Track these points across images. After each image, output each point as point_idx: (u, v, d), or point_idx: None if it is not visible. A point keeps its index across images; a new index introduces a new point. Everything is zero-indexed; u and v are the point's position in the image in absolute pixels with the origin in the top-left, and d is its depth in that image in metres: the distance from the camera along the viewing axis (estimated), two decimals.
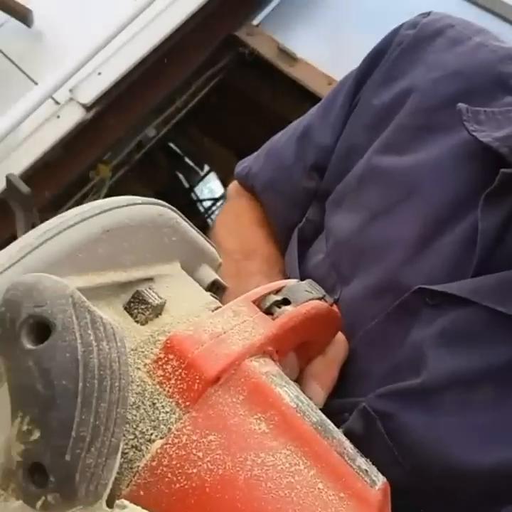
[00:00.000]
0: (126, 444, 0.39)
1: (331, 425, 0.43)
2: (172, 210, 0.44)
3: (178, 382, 0.39)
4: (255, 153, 0.90)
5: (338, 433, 0.43)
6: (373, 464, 0.44)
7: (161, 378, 0.40)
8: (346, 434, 0.45)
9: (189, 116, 2.35)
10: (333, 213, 0.74)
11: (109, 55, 2.19)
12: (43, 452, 0.29)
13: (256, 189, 0.86)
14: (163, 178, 2.68)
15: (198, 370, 0.39)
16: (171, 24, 2.22)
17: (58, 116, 2.19)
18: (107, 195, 2.23)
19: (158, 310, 0.42)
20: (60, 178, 2.22)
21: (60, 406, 0.30)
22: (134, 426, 0.39)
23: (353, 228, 0.69)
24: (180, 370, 0.39)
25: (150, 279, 0.43)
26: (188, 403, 0.39)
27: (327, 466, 0.40)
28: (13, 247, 0.36)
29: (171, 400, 0.39)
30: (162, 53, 2.20)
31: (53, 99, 2.18)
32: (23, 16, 2.18)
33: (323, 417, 0.43)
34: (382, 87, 0.78)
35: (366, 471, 0.41)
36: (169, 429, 0.39)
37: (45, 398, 0.30)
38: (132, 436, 0.39)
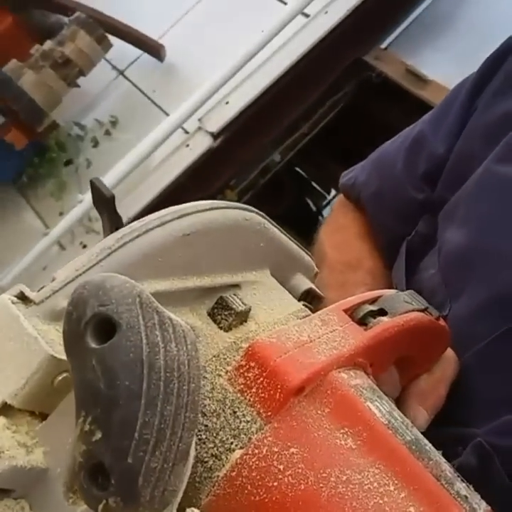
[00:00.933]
0: (206, 452, 0.37)
1: (429, 446, 0.39)
2: (260, 215, 0.43)
3: (260, 390, 0.37)
4: (361, 163, 0.87)
5: (436, 454, 0.39)
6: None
7: (242, 386, 0.38)
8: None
9: (315, 141, 2.35)
10: (445, 227, 0.70)
11: (237, 84, 2.24)
12: (104, 453, 0.28)
13: (362, 200, 0.83)
14: (290, 203, 2.69)
15: (280, 379, 0.37)
16: (297, 52, 2.24)
17: (187, 145, 2.26)
18: None
19: (242, 317, 0.40)
20: None
21: (123, 406, 0.28)
22: (214, 434, 0.37)
23: (465, 241, 0.65)
24: (261, 379, 0.37)
25: (236, 286, 0.42)
26: (269, 413, 0.37)
27: (420, 489, 0.36)
28: (94, 250, 0.36)
29: (252, 408, 0.37)
30: (288, 80, 2.22)
31: (183, 128, 2.25)
32: (156, 51, 2.27)
33: (420, 436, 0.40)
34: (501, 94, 0.74)
35: (466, 497, 0.37)
36: (249, 438, 0.37)
37: (108, 398, 0.29)
38: (212, 445, 0.37)
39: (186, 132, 2.24)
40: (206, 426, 0.38)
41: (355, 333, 0.41)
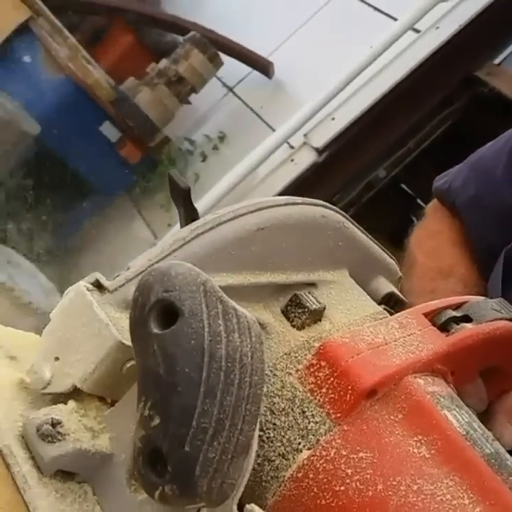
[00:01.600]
0: (274, 451, 0.36)
1: (511, 461, 0.37)
2: (339, 213, 0.41)
3: (330, 391, 0.36)
4: (456, 166, 0.83)
5: None
6: None
7: (312, 386, 0.37)
8: None
9: (422, 157, 2.29)
10: None
11: (343, 100, 2.23)
12: (162, 439, 0.28)
13: (457, 205, 0.79)
14: (395, 219, 2.63)
15: (351, 380, 0.35)
16: (406, 68, 2.20)
17: (292, 160, 2.26)
18: None
19: (316, 315, 0.39)
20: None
21: (182, 393, 0.28)
22: (282, 433, 0.36)
23: None
24: (332, 379, 0.36)
25: (312, 284, 0.41)
26: (339, 415, 0.36)
27: (497, 504, 0.34)
28: (168, 241, 0.36)
29: (321, 409, 0.36)
30: (395, 96, 2.19)
31: (288, 143, 2.26)
32: (265, 68, 2.29)
33: (501, 450, 0.37)
34: None
35: None
36: (318, 440, 0.36)
37: (167, 384, 0.28)
38: (279, 444, 0.36)
39: (292, 147, 2.25)
40: (274, 424, 0.37)
41: (434, 338, 0.39)
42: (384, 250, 0.46)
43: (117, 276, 0.35)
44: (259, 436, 0.37)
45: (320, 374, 0.36)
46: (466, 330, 0.40)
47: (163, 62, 2.27)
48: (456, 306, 0.42)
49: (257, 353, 0.31)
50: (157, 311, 0.29)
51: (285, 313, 0.39)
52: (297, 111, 2.24)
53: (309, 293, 0.39)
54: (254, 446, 0.32)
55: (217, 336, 0.29)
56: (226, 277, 0.36)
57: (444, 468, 0.34)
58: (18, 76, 2.16)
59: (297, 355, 0.38)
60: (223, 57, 2.28)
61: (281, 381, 0.37)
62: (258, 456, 0.37)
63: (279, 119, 2.26)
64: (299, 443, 0.36)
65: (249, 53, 2.28)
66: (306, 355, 0.38)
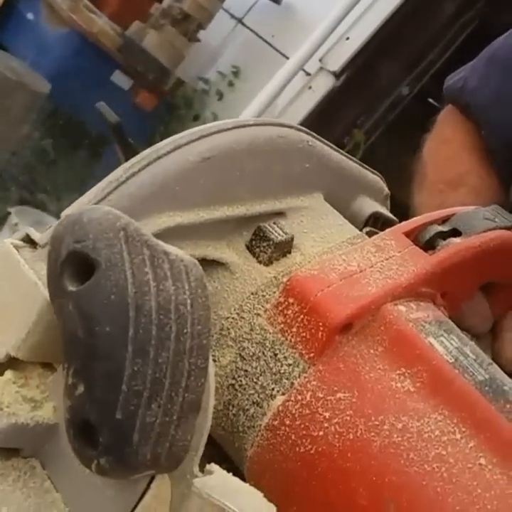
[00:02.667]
0: (247, 399, 0.33)
1: (510, 385, 0.32)
2: (303, 131, 0.36)
3: (301, 330, 0.32)
4: (470, 63, 0.75)
5: None
6: None
7: (282, 326, 0.33)
8: None
9: (447, 67, 2.18)
10: None
11: (356, 18, 2.12)
12: (88, 409, 0.24)
13: (474, 106, 0.71)
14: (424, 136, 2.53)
15: (321, 316, 0.31)
16: None
17: (310, 87, 2.18)
18: (361, 160, 2.18)
19: (283, 248, 0.35)
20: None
21: (105, 356, 0.24)
22: (255, 379, 0.33)
23: None
24: (302, 316, 0.32)
25: (280, 214, 0.36)
26: (312, 354, 0.32)
27: (493, 437, 0.29)
28: (101, 184, 0.32)
29: (293, 350, 0.32)
30: (410, 6, 2.07)
31: (304, 71, 2.18)
32: None
33: (499, 374, 0.33)
34: None
35: None
36: (292, 383, 0.32)
37: (87, 347, 0.24)
38: (253, 391, 0.33)
39: (308, 74, 2.16)
40: (246, 371, 0.33)
41: (416, 259, 0.34)
42: (365, 167, 0.41)
43: (49, 227, 0.31)
44: (231, 384, 0.33)
45: (289, 312, 0.32)
46: (453, 245, 0.35)
47: (166, 1, 2.19)
48: (443, 220, 0.37)
49: (198, 299, 0.27)
50: (70, 265, 0.25)
51: (250, 248, 0.35)
52: (310, 36, 2.15)
53: (274, 223, 0.35)
54: (210, 401, 0.28)
55: (145, 286, 0.25)
56: (174, 216, 0.32)
57: (431, 401, 0.30)
58: (23, 35, 2.12)
59: (265, 293, 0.34)
60: None
61: (250, 324, 0.34)
62: (232, 406, 0.33)
63: (292, 46, 2.17)
64: (273, 388, 0.32)
65: None
66: (274, 292, 0.34)
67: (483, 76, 0.70)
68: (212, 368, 0.28)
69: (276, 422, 0.32)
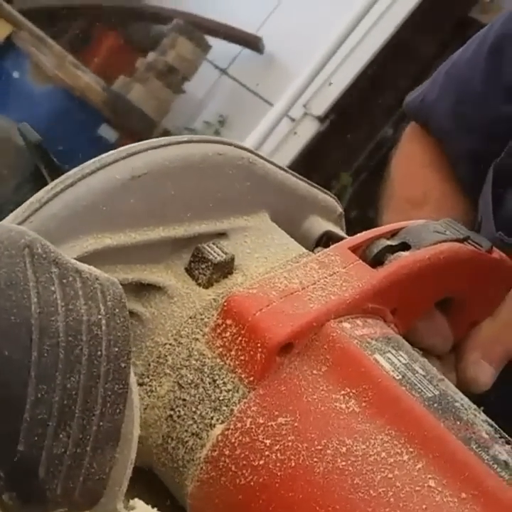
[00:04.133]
0: (186, 430, 0.31)
1: (461, 402, 0.30)
2: (243, 148, 0.35)
3: (240, 352, 0.30)
4: (428, 80, 0.74)
5: (471, 412, 0.30)
6: None
7: (221, 349, 0.31)
8: None
9: None
10: None
11: (338, 63, 2.15)
12: None
13: (433, 120, 0.69)
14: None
15: (259, 336, 0.30)
16: (397, 20, 2.12)
17: (295, 133, 2.20)
18: (350, 201, 2.17)
19: (224, 268, 0.33)
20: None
21: (4, 382, 0.22)
22: (193, 408, 0.31)
23: None
24: (240, 338, 0.30)
25: (223, 235, 0.35)
26: (251, 378, 0.30)
27: (443, 457, 0.27)
28: (22, 206, 0.30)
29: (233, 375, 0.30)
30: (390, 50, 2.10)
31: (289, 116, 2.19)
32: (255, 44, 2.23)
33: (450, 390, 0.31)
34: None
35: (506, 463, 0.28)
36: (231, 410, 0.30)
37: None
38: (191, 421, 0.31)
39: (292, 120, 2.18)
40: (184, 400, 0.31)
41: (362, 274, 0.32)
42: (314, 186, 0.40)
43: None
44: (170, 416, 0.31)
45: (227, 334, 0.30)
46: (400, 259, 0.33)
47: (151, 55, 2.22)
48: (393, 234, 0.36)
49: (115, 319, 0.25)
50: None
51: (189, 271, 0.33)
52: (293, 82, 2.18)
53: (214, 244, 0.33)
54: (134, 431, 0.26)
55: (51, 306, 0.24)
56: (103, 238, 0.31)
57: (377, 421, 0.28)
58: (8, 93, 2.14)
59: (204, 317, 0.32)
60: (211, 40, 2.22)
61: (188, 349, 0.32)
62: (171, 438, 0.31)
63: (276, 93, 2.19)
64: (212, 417, 0.30)
65: (236, 32, 2.21)
66: (213, 315, 0.32)
67: (441, 89, 0.69)
68: (135, 395, 0.27)
69: (215, 453, 0.30)
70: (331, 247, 0.34)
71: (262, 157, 0.36)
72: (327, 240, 0.40)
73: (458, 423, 0.29)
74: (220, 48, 2.23)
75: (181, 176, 0.33)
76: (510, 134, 0.63)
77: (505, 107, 0.64)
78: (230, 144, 0.35)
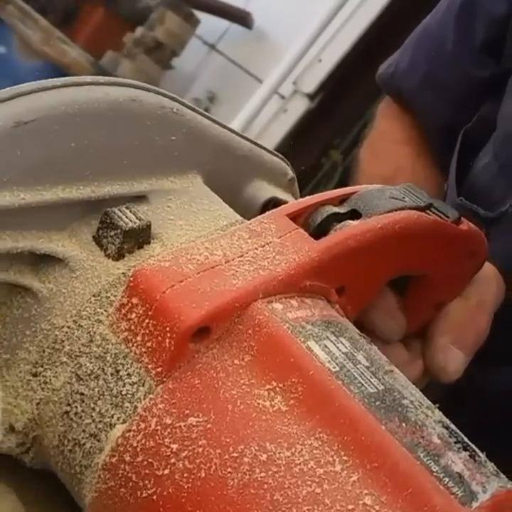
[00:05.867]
0: (84, 430, 0.25)
1: (411, 398, 0.24)
2: (168, 96, 0.29)
3: (146, 338, 0.24)
4: (399, 49, 0.69)
5: (420, 411, 0.24)
6: None
7: (126, 334, 0.25)
8: None
9: None
10: (507, 100, 0.53)
11: (328, 39, 2.07)
12: None
13: (404, 92, 0.64)
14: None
15: (169, 319, 0.24)
16: None
17: (285, 110, 2.12)
18: (340, 179, 2.10)
19: (137, 237, 0.27)
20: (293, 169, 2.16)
21: None
22: (92, 405, 0.25)
23: None
24: (147, 320, 0.24)
25: (141, 198, 0.29)
26: (159, 369, 0.24)
27: (382, 468, 0.22)
28: None
29: (138, 364, 0.24)
30: (380, 26, 2.02)
31: (279, 94, 2.12)
32: (244, 20, 2.14)
33: (399, 383, 0.25)
34: None
35: (460, 476, 0.22)
36: (135, 407, 0.24)
37: None
38: (89, 420, 0.25)
39: (282, 97, 2.10)
40: (82, 394, 0.25)
41: (300, 246, 0.27)
42: (261, 146, 0.34)
43: None
44: (66, 412, 0.26)
45: (133, 316, 0.25)
46: (346, 229, 0.28)
47: (139, 30, 2.14)
48: (342, 200, 0.30)
49: None
50: None
51: (97, 239, 0.27)
52: (283, 59, 2.10)
53: (127, 208, 0.27)
54: None
55: None
56: None
57: (307, 423, 0.23)
58: None
59: (110, 294, 0.26)
60: (200, 14, 2.13)
61: (89, 333, 0.26)
62: (68, 439, 0.25)
63: (265, 70, 2.11)
64: (113, 415, 0.24)
65: (225, 6, 2.13)
66: (120, 293, 0.26)
67: (411, 59, 0.64)
68: None
69: (114, 459, 0.24)
70: (266, 213, 0.28)
71: (192, 108, 0.30)
72: (274, 207, 0.34)
73: (404, 425, 0.23)
74: (208, 24, 2.15)
75: (84, 125, 0.27)
76: (481, 100, 0.58)
77: (476, 70, 0.60)
78: (149, 90, 0.29)
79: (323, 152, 2.11)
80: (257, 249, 0.26)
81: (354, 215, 0.29)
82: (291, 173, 0.35)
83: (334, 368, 0.24)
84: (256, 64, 2.15)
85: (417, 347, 0.35)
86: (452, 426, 0.25)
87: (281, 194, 0.34)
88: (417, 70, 0.64)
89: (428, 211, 0.31)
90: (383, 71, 0.69)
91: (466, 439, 0.24)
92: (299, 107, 2.09)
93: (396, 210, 0.29)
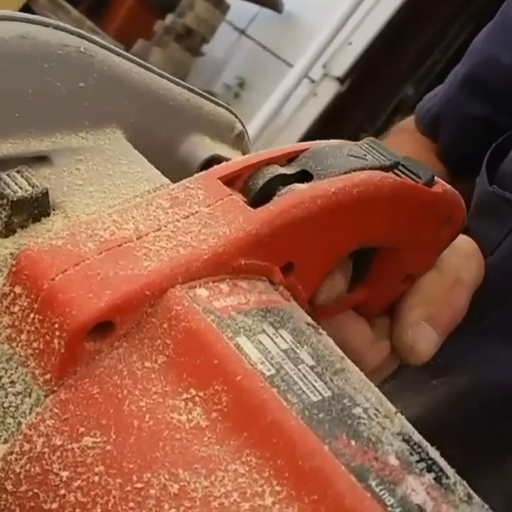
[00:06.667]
0: None
1: (365, 405, 0.18)
2: (74, 33, 0.23)
3: (32, 336, 0.19)
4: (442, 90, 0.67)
5: (375, 422, 0.17)
6: None
7: (9, 331, 0.19)
8: None
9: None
10: None
11: (358, 22, 1.98)
12: None
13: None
14: None
15: (58, 313, 0.18)
16: None
17: (315, 94, 2.04)
18: None
19: (31, 208, 0.21)
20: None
21: None
22: None
23: None
24: (32, 315, 0.19)
25: (42, 159, 0.23)
26: (47, 376, 0.18)
27: (323, 501, 0.15)
28: None
29: (24, 370, 0.19)
30: (411, 7, 1.92)
31: (309, 78, 2.04)
32: (273, 3, 2.07)
33: (349, 387, 0.18)
34: None
35: (420, 509, 0.16)
36: (19, 424, 0.18)
37: None
38: None
39: (312, 81, 2.02)
40: None
41: (232, 216, 0.20)
42: (203, 94, 0.28)
43: None
44: None
45: (16, 309, 0.19)
46: (292, 194, 0.21)
47: (169, 18, 2.08)
48: (290, 159, 0.23)
49: None
50: None
51: None
52: (313, 42, 2.02)
53: (18, 172, 0.22)
54: None
55: None
56: None
57: (232, 442, 0.17)
58: None
59: None
60: (230, 0, 2.07)
61: None
62: None
63: (296, 54, 2.03)
64: None
65: None
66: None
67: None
68: None
69: None
70: (194, 176, 0.22)
71: (107, 47, 0.24)
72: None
73: (353, 443, 0.17)
74: (238, 8, 2.08)
75: None
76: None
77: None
78: (48, 25, 0.23)
79: (353, 135, 2.02)
80: (178, 221, 0.20)
81: (304, 176, 0.22)
82: (239, 127, 0.29)
83: (269, 370, 0.18)
84: (286, 48, 2.07)
85: (384, 325, 0.28)
86: (415, 437, 0.18)
87: (226, 152, 0.28)
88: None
89: (395, 171, 0.24)
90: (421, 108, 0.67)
91: (431, 454, 0.18)
92: (329, 90, 2.01)
93: (355, 171, 0.22)
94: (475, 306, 0.57)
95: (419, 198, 0.25)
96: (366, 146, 0.25)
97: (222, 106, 0.28)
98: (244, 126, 0.29)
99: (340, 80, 1.99)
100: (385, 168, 0.24)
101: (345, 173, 0.22)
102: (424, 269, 0.28)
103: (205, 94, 0.27)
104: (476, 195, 0.57)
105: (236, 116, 0.28)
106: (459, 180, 0.65)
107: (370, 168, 0.23)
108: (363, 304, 0.28)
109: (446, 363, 0.55)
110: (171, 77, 0.26)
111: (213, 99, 0.28)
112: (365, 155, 0.24)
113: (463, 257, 0.29)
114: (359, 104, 1.99)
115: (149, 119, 0.25)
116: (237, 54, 2.14)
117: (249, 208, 0.21)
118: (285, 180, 0.22)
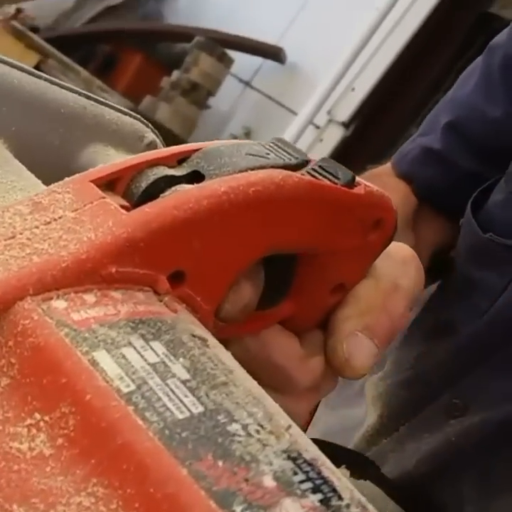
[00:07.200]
0: None
1: (245, 421, 0.15)
2: None
3: None
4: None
5: (255, 439, 0.15)
6: None
7: None
8: None
9: None
10: None
11: (360, 68, 1.99)
12: None
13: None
14: None
15: None
16: (416, 21, 1.94)
17: (321, 140, 2.04)
18: None
19: None
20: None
21: None
22: None
23: None
24: None
25: None
26: None
27: None
28: None
29: None
30: (411, 52, 1.93)
31: (314, 124, 2.04)
32: (276, 55, 2.09)
33: (228, 401, 0.16)
34: None
35: None
36: None
37: None
38: None
39: (317, 127, 2.03)
40: None
41: (101, 220, 0.18)
42: (108, 104, 0.26)
43: None
44: None
45: None
46: (175, 195, 0.19)
47: (175, 74, 2.12)
48: (181, 159, 0.21)
49: None
50: None
51: None
52: (316, 89, 2.03)
53: None
54: None
55: None
56: None
57: (78, 471, 0.14)
58: None
59: None
60: (233, 53, 2.09)
61: None
62: None
63: (300, 102, 2.05)
64: None
65: (257, 44, 2.09)
66: None
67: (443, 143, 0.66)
68: None
69: None
70: (63, 180, 0.20)
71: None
72: None
73: (220, 464, 0.14)
74: (242, 61, 2.10)
75: None
76: None
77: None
78: None
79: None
80: (37, 227, 0.18)
81: (196, 178, 0.20)
82: (150, 136, 0.26)
83: (127, 386, 0.15)
84: (290, 97, 2.09)
85: (316, 340, 0.25)
86: (308, 455, 0.15)
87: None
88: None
89: (309, 172, 0.22)
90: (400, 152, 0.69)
91: (324, 473, 0.15)
92: (334, 135, 2.01)
93: (253, 170, 0.20)
94: (485, 346, 0.56)
95: (337, 200, 0.22)
96: (271, 144, 0.22)
97: (130, 114, 0.26)
98: (158, 136, 0.27)
99: (345, 125, 1.99)
100: (289, 167, 0.21)
101: (240, 171, 0.20)
102: (356, 278, 0.25)
103: (108, 102, 0.25)
104: (469, 240, 0.58)
105: (147, 125, 0.26)
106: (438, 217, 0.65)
107: (272, 167, 0.21)
108: (290, 318, 0.25)
109: (464, 403, 0.53)
110: (67, 85, 0.24)
111: (119, 107, 0.26)
112: (268, 153, 0.21)
113: (399, 263, 0.26)
114: (364, 148, 1.98)
115: (36, 127, 0.23)
116: (243, 105, 2.15)
117: (122, 211, 0.18)
118: (173, 181, 0.19)
